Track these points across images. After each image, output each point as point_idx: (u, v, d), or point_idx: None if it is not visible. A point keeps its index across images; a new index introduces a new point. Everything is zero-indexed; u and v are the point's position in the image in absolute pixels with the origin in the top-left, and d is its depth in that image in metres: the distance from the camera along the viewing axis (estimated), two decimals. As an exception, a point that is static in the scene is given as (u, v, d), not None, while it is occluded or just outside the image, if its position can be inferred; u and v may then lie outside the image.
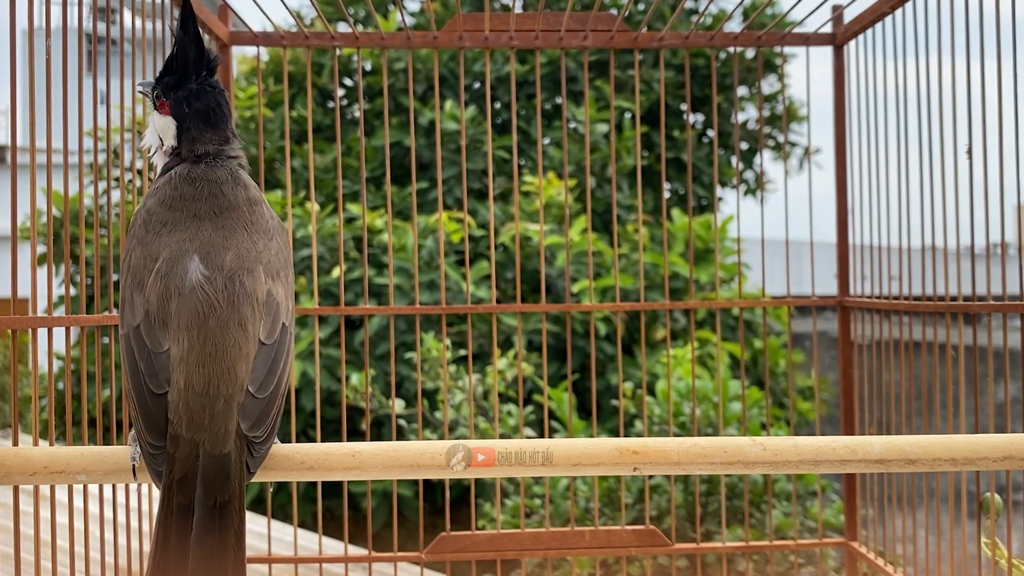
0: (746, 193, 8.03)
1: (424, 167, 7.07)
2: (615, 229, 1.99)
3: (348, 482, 2.20)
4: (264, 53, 6.39)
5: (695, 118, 8.37)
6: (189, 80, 1.13)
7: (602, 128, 6.62)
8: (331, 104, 7.34)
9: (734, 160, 6.74)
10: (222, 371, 0.99)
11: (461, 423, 4.13)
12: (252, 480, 1.03)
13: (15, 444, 1.29)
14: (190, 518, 0.94)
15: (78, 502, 1.46)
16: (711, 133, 8.36)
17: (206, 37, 1.95)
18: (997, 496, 1.47)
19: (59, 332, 1.46)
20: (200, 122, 1.12)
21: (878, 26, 1.96)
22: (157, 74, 1.17)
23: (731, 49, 2.16)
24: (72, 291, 4.86)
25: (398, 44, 2.04)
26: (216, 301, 1.00)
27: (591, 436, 2.82)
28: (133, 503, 1.66)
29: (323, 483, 2.06)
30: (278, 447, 1.08)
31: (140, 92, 1.18)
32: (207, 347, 0.99)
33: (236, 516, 0.96)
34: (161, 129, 1.13)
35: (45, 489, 2.58)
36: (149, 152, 1.16)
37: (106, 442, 1.71)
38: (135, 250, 1.05)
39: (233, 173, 1.11)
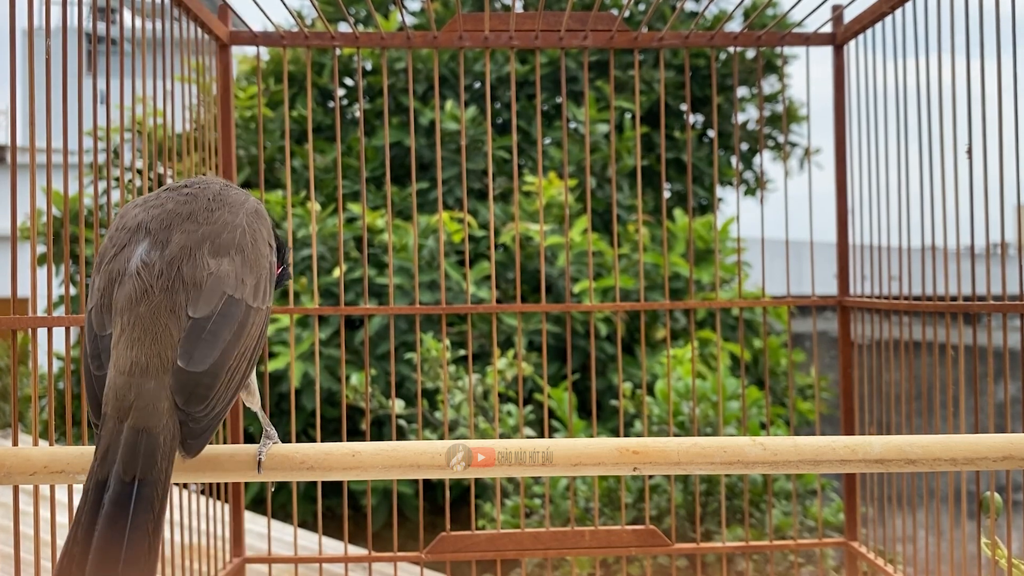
0: (746, 193, 8.03)
1: (424, 167, 7.07)
2: (615, 229, 1.99)
3: (348, 481, 2.20)
4: (264, 53, 6.39)
5: (695, 118, 8.37)
6: None
7: (602, 128, 6.62)
8: (331, 104, 7.34)
9: (734, 160, 6.74)
10: (150, 353, 0.97)
11: (461, 423, 4.13)
12: (259, 476, 1.02)
13: (15, 444, 1.29)
14: (103, 494, 0.90)
15: (78, 502, 1.46)
16: (711, 133, 8.36)
17: (206, 37, 1.95)
18: (997, 496, 1.47)
19: (59, 332, 1.46)
20: None
21: (878, 26, 1.96)
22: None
23: (731, 49, 2.16)
24: (72, 291, 4.86)
25: (398, 44, 2.04)
26: (149, 286, 1.00)
27: (591, 436, 2.82)
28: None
29: (323, 482, 2.06)
30: (278, 447, 1.08)
31: None
32: (135, 331, 0.99)
33: (157, 499, 0.91)
34: None
35: (45, 489, 2.58)
36: None
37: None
38: (105, 240, 1.08)
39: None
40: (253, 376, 1.10)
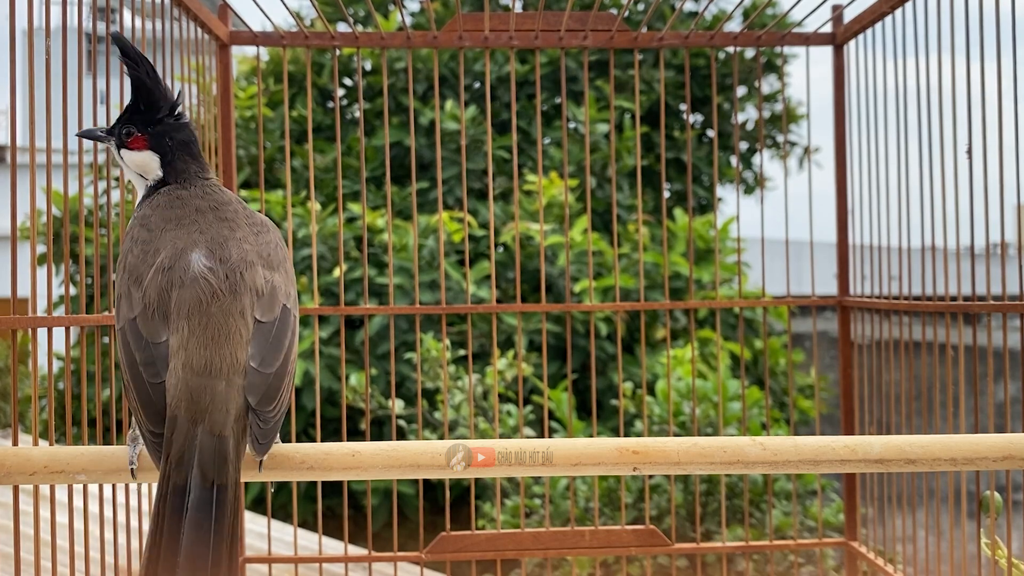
0: (746, 192, 8.03)
1: (424, 167, 7.07)
2: (615, 229, 1.99)
3: (349, 481, 2.20)
4: (264, 53, 6.39)
5: (695, 118, 8.37)
6: (159, 115, 1.15)
7: (602, 128, 6.62)
8: (331, 104, 7.34)
9: (734, 160, 6.74)
10: (224, 354, 1.00)
11: (461, 423, 4.13)
12: (259, 475, 1.03)
13: (15, 444, 1.29)
14: (185, 499, 0.92)
15: (78, 502, 1.46)
16: (711, 133, 8.36)
17: (206, 37, 1.95)
18: (997, 495, 1.47)
19: (59, 332, 1.46)
20: (184, 153, 1.16)
21: (878, 26, 1.96)
22: (118, 114, 1.20)
23: (731, 49, 2.16)
24: (72, 291, 4.87)
25: (398, 44, 2.04)
26: (219, 290, 1.03)
27: (591, 436, 2.82)
28: (133, 503, 1.66)
29: (323, 482, 2.06)
30: (278, 447, 1.08)
31: (90, 139, 1.22)
32: (209, 331, 1.00)
33: (232, 502, 0.94)
34: (139, 165, 1.16)
35: (45, 489, 2.58)
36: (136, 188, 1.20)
37: (106, 442, 1.71)
38: (132, 249, 1.08)
39: (221, 192, 1.17)
40: None
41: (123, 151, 1.16)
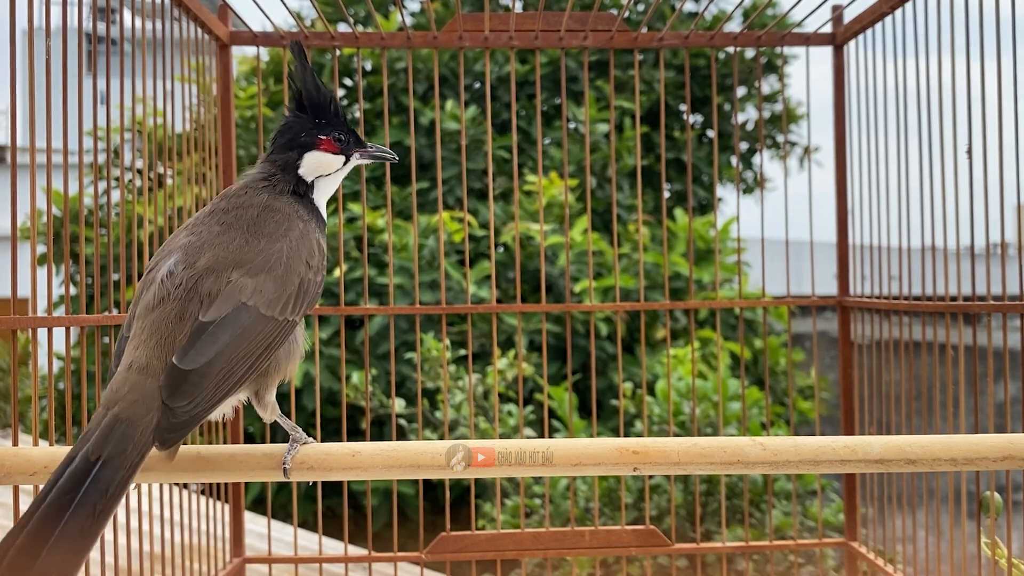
0: (746, 192, 8.03)
1: (425, 167, 7.06)
2: (616, 229, 1.99)
3: (349, 481, 2.20)
4: (264, 53, 6.39)
5: (695, 118, 8.37)
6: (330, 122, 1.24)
7: (602, 128, 6.62)
8: (331, 104, 7.33)
9: (734, 160, 6.73)
10: (152, 355, 1.00)
11: (461, 423, 4.13)
12: (258, 475, 1.03)
13: (15, 444, 1.29)
14: (66, 469, 0.92)
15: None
16: (711, 133, 8.36)
17: (206, 37, 1.95)
18: (997, 495, 1.47)
19: (59, 332, 1.46)
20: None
21: (878, 26, 1.96)
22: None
23: (731, 49, 2.16)
24: (72, 291, 4.87)
25: (398, 44, 2.04)
26: (167, 294, 1.04)
27: (591, 436, 2.82)
28: (133, 503, 1.66)
29: (323, 482, 2.06)
30: (279, 447, 1.08)
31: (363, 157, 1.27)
32: (144, 334, 1.03)
33: (115, 484, 0.91)
34: (325, 165, 1.23)
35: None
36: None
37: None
38: (173, 238, 1.14)
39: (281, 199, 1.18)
40: (270, 394, 1.10)
41: (320, 152, 1.22)
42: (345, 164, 1.24)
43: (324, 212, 1.22)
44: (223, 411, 1.06)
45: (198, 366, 0.99)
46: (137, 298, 1.08)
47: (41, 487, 0.92)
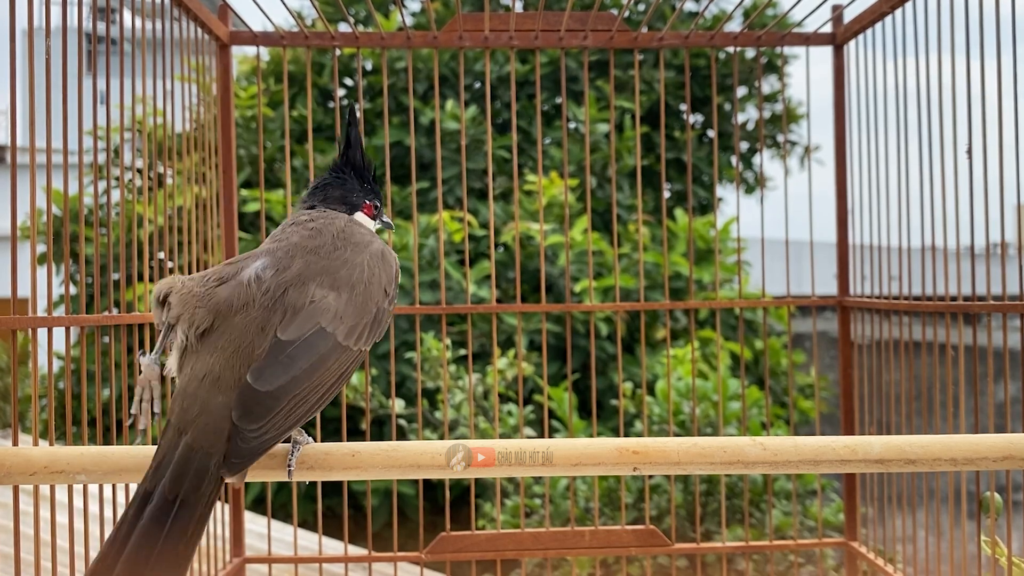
0: (746, 192, 8.03)
1: (425, 167, 7.06)
2: (616, 229, 1.99)
3: (349, 481, 2.20)
4: (264, 53, 6.39)
5: (695, 118, 8.37)
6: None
7: (603, 128, 6.62)
8: (332, 104, 7.34)
9: (734, 160, 6.73)
10: (226, 366, 0.97)
11: (461, 423, 4.13)
12: (257, 475, 1.02)
13: (15, 444, 1.29)
14: (146, 507, 0.90)
15: (78, 502, 1.46)
16: (711, 133, 8.36)
17: (206, 37, 1.95)
18: (997, 495, 1.47)
19: (59, 332, 1.46)
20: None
21: (878, 26, 1.96)
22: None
23: (731, 49, 2.16)
24: (72, 291, 4.87)
25: (398, 44, 2.04)
26: (251, 300, 1.01)
27: (591, 435, 2.82)
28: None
29: (323, 482, 2.06)
30: (280, 447, 1.07)
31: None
32: (221, 340, 0.99)
33: (194, 521, 0.90)
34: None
35: (45, 489, 2.58)
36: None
37: (106, 442, 1.71)
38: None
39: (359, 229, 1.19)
40: None
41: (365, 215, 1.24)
42: (372, 228, 1.26)
43: None
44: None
45: (272, 388, 0.95)
46: (207, 282, 1.03)
47: (121, 520, 0.91)
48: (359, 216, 1.22)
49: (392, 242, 4.13)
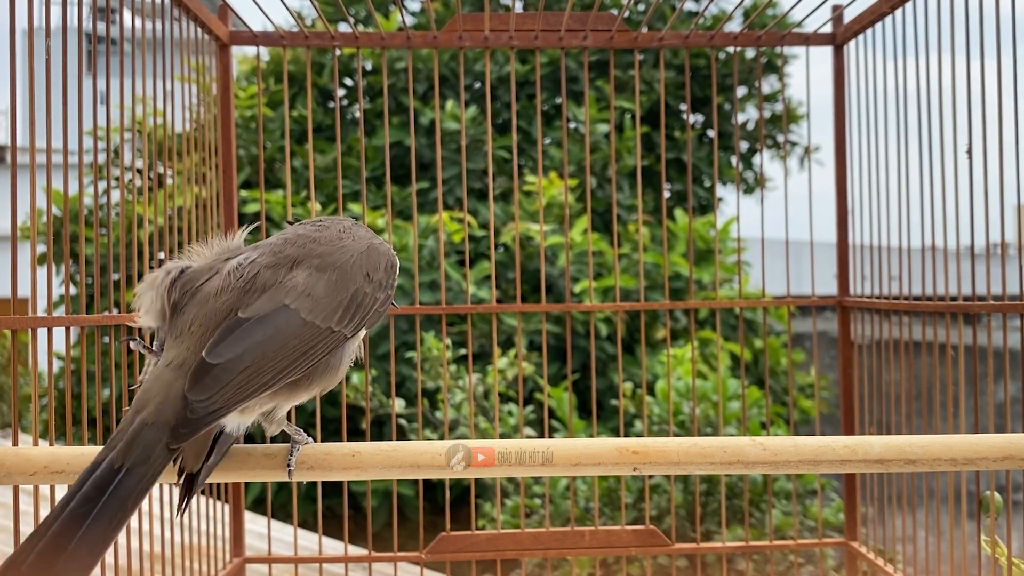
0: (746, 192, 8.03)
1: (425, 167, 7.06)
2: (615, 229, 1.99)
3: (349, 481, 2.20)
4: (264, 53, 6.39)
5: (695, 118, 8.37)
6: None
7: (603, 128, 6.62)
8: (331, 104, 7.34)
9: (734, 160, 6.73)
10: (190, 348, 0.99)
11: (461, 423, 4.13)
12: (254, 475, 1.02)
13: (15, 444, 1.29)
14: (90, 476, 0.90)
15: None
16: (711, 133, 8.36)
17: (206, 37, 1.95)
18: (997, 495, 1.47)
19: (59, 332, 1.46)
20: None
21: (878, 26, 1.96)
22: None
23: (731, 49, 2.16)
24: (72, 291, 4.86)
25: (398, 44, 2.04)
26: (226, 286, 1.02)
27: (591, 436, 2.82)
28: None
29: (323, 482, 2.06)
30: (279, 447, 1.07)
31: None
32: (192, 326, 1.00)
33: (135, 492, 0.90)
34: None
35: (45, 489, 2.58)
36: None
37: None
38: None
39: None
40: (283, 410, 1.07)
41: None
42: None
43: None
44: (243, 422, 1.02)
45: (223, 361, 0.96)
46: (191, 289, 1.04)
47: (51, 483, 0.92)
48: None
49: (392, 242, 4.13)
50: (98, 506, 0.89)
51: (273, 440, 1.21)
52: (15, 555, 0.87)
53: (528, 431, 4.41)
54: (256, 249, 1.08)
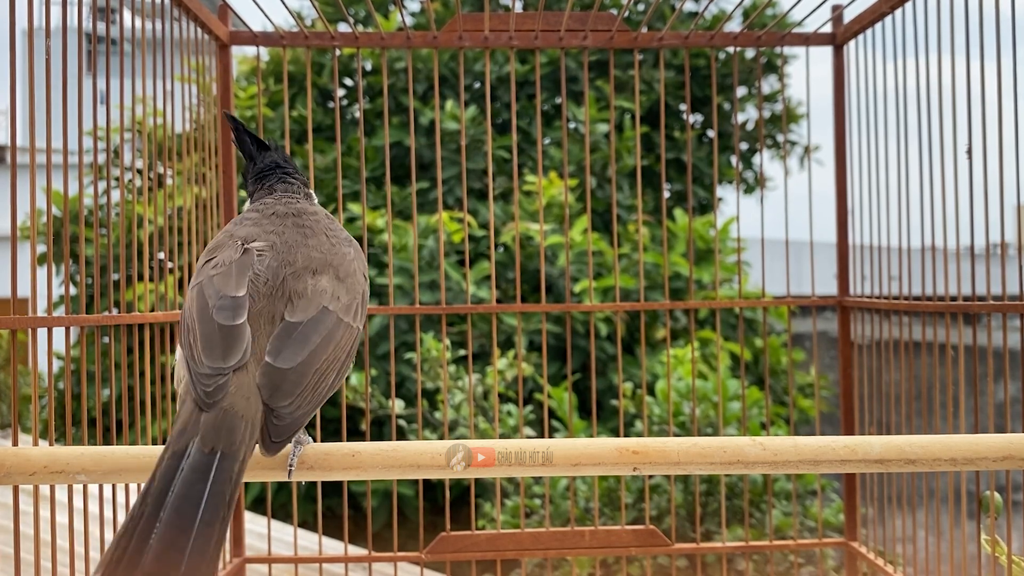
0: (746, 192, 8.03)
1: (424, 167, 7.06)
2: (615, 229, 1.99)
3: (349, 481, 2.20)
4: (264, 53, 6.39)
5: (695, 118, 8.37)
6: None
7: (602, 128, 6.62)
8: (331, 104, 7.34)
9: (734, 160, 6.72)
10: (239, 349, 0.99)
11: (461, 423, 4.13)
12: (256, 475, 1.03)
13: (15, 444, 1.29)
14: (182, 461, 0.88)
15: (78, 502, 1.46)
16: (711, 133, 8.36)
17: (206, 37, 1.95)
18: (997, 495, 1.47)
19: (59, 332, 1.46)
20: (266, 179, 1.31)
21: (878, 26, 1.96)
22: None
23: (731, 49, 2.16)
24: (72, 291, 4.86)
25: (398, 44, 2.04)
26: (257, 293, 1.05)
27: (591, 436, 2.82)
28: (133, 503, 1.66)
29: (323, 482, 2.06)
30: (280, 449, 1.07)
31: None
32: (255, 322, 1.03)
33: (235, 474, 0.89)
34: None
35: (45, 489, 2.58)
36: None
37: (106, 442, 1.71)
38: (219, 235, 1.16)
39: (302, 203, 1.25)
40: None
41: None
42: None
43: None
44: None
45: (294, 365, 0.99)
46: (227, 283, 1.05)
47: (148, 483, 0.87)
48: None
49: (392, 242, 4.14)
50: (207, 487, 0.86)
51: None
52: (122, 552, 0.83)
53: (528, 431, 4.41)
54: (268, 253, 1.10)
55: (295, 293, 1.06)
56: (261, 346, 1.00)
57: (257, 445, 0.95)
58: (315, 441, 1.09)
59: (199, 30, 1.89)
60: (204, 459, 0.89)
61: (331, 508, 5.38)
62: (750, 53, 5.87)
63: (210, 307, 1.02)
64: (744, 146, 7.80)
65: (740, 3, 1.79)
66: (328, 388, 1.02)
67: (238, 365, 0.97)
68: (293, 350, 1.00)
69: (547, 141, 7.13)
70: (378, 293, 5.56)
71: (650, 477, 3.21)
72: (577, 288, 5.39)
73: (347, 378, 4.68)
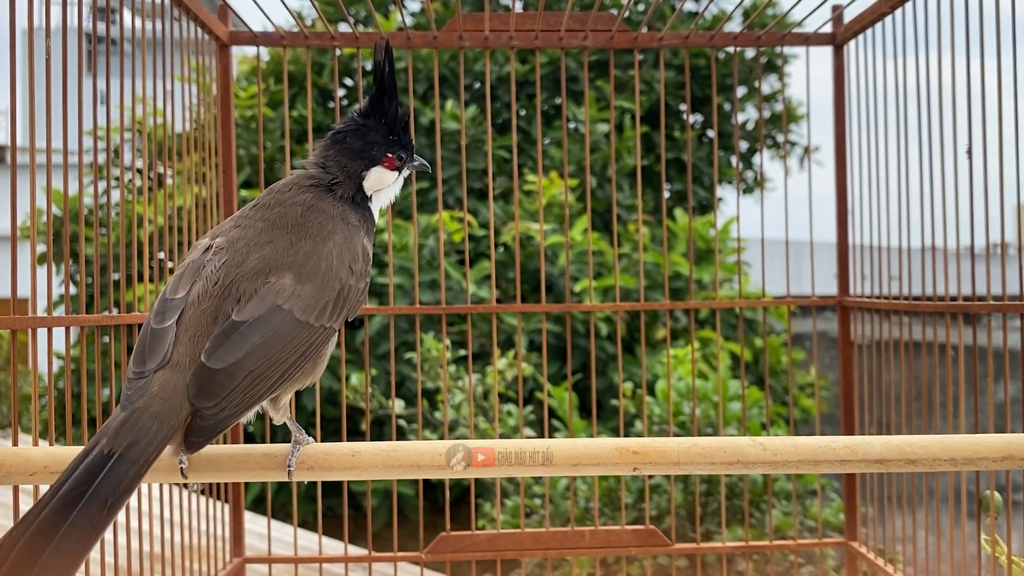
0: (746, 192, 8.03)
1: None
2: (616, 229, 1.99)
3: (349, 481, 2.20)
4: (264, 53, 6.39)
5: (695, 118, 8.37)
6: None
7: (602, 128, 6.62)
8: (331, 104, 7.34)
9: (734, 160, 6.72)
10: (183, 351, 0.99)
11: (461, 423, 4.13)
12: (259, 475, 1.02)
13: (15, 444, 1.29)
14: (82, 462, 0.91)
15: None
16: (711, 133, 8.36)
17: (206, 37, 1.95)
18: (997, 495, 1.47)
19: (59, 332, 1.46)
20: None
21: (878, 26, 1.96)
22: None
23: (731, 49, 2.16)
24: (72, 291, 4.86)
25: (398, 44, 2.04)
26: (204, 292, 1.03)
27: (591, 436, 2.82)
28: (133, 503, 1.66)
29: (323, 482, 2.06)
30: (279, 447, 1.08)
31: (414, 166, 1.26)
32: (187, 331, 1.01)
33: (128, 477, 0.90)
34: (383, 180, 1.22)
35: (45, 489, 2.58)
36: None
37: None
38: (198, 243, 1.13)
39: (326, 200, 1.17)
40: (286, 397, 1.09)
41: (383, 168, 1.21)
42: (395, 180, 1.24)
43: (376, 220, 1.22)
44: (249, 416, 1.04)
45: (226, 365, 0.97)
46: (175, 287, 1.05)
47: (51, 483, 0.92)
48: (375, 171, 1.19)
49: (392, 242, 4.14)
50: (90, 490, 0.89)
51: (273, 440, 1.21)
52: (2, 542, 0.87)
53: (528, 431, 4.41)
54: (226, 251, 1.07)
55: (246, 292, 1.03)
56: (200, 346, 0.99)
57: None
58: (315, 441, 1.09)
59: (199, 30, 1.89)
60: (98, 461, 0.91)
61: (331, 508, 5.38)
62: (750, 53, 5.87)
63: (153, 312, 1.04)
64: (744, 146, 7.80)
65: (740, 3, 1.79)
66: (269, 389, 1.00)
67: (159, 366, 0.98)
68: (228, 350, 0.98)
69: (547, 141, 7.13)
70: (378, 293, 5.56)
71: (650, 477, 3.21)
72: (577, 288, 5.39)
73: (347, 378, 4.68)
